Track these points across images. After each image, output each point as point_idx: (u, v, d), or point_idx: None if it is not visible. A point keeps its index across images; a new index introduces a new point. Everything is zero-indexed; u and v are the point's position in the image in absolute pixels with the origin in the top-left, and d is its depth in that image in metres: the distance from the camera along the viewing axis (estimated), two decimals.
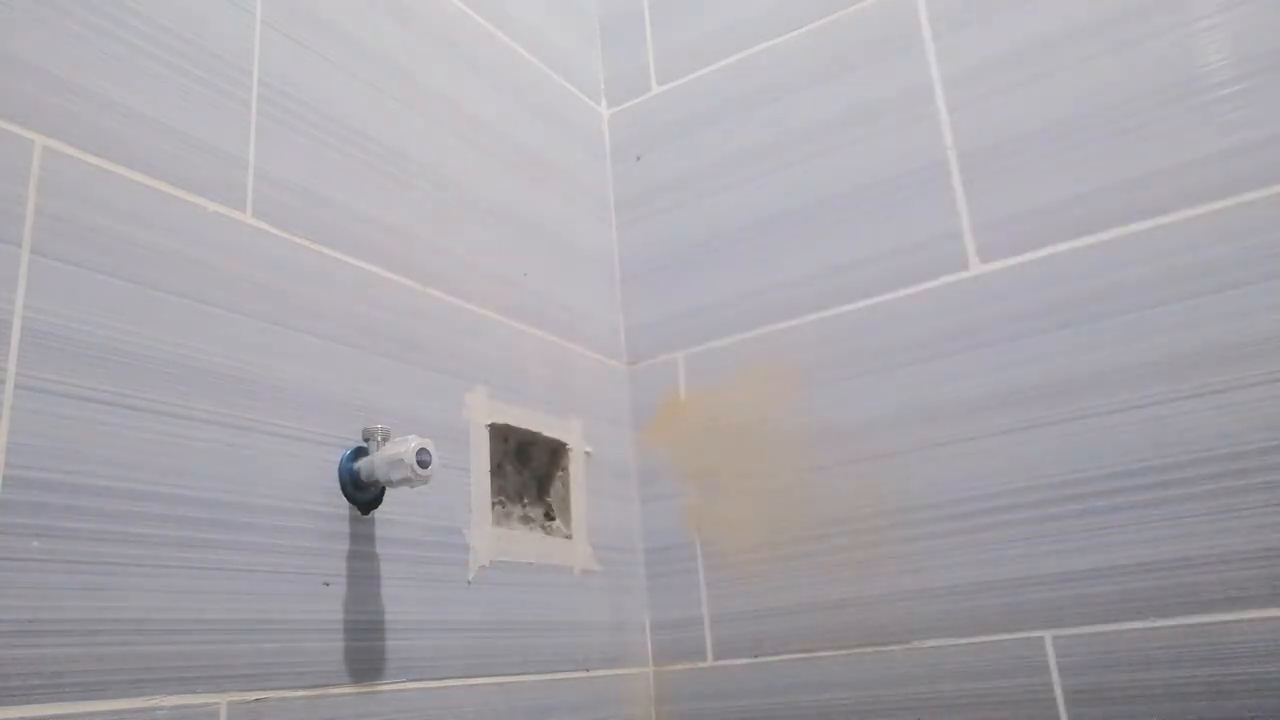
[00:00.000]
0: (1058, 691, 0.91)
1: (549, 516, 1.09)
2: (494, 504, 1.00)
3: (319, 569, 0.77)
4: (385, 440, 0.81)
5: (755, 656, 1.09)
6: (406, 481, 0.78)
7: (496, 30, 1.18)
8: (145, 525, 0.65)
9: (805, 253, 1.16)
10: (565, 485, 1.11)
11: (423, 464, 0.77)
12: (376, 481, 0.80)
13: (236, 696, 0.68)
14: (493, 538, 0.97)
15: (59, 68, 0.67)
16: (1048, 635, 0.93)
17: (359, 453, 0.81)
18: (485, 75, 1.14)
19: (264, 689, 0.70)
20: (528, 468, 1.09)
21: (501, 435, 1.04)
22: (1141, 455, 0.92)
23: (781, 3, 1.25)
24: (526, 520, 1.06)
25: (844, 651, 1.04)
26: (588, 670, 1.04)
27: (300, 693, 0.73)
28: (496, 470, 1.02)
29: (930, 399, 1.04)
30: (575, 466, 1.12)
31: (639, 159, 1.33)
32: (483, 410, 0.99)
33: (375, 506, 0.83)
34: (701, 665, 1.13)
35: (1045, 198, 1.01)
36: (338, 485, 0.80)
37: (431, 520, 0.89)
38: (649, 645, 1.16)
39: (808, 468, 1.10)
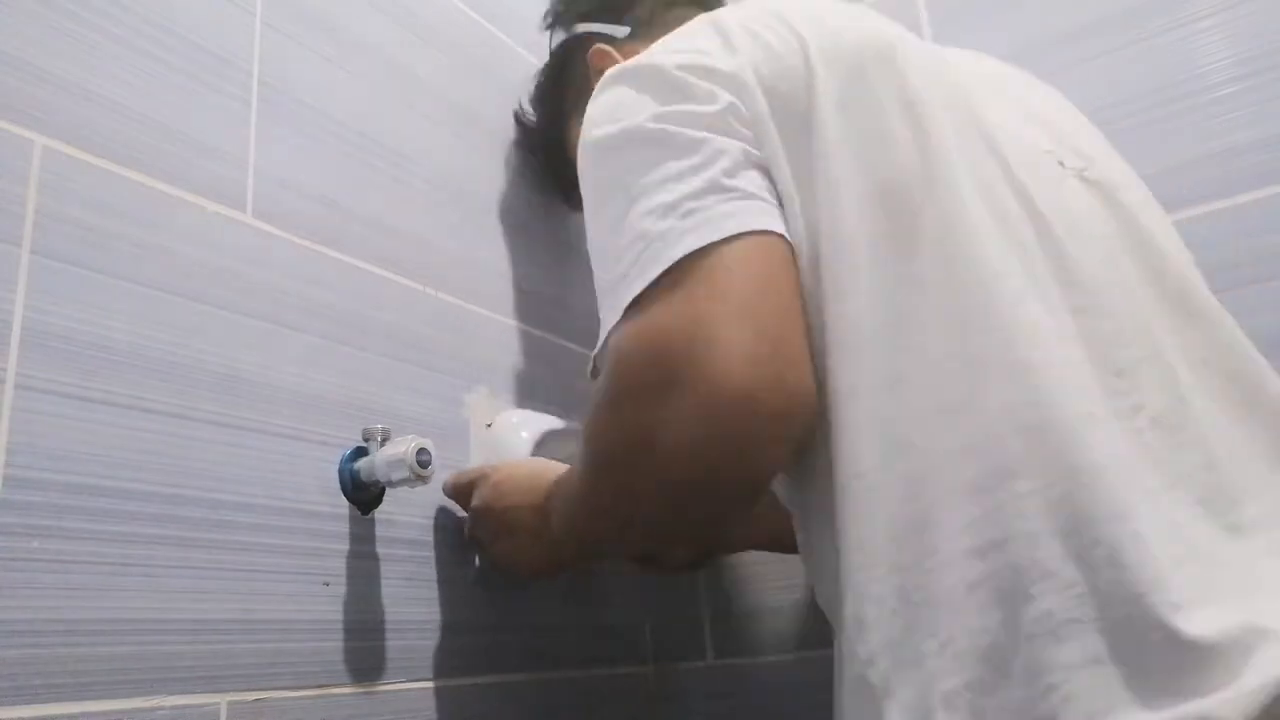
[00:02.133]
0: None
1: None
2: None
3: (319, 569, 0.77)
4: (385, 440, 0.81)
5: (755, 656, 1.09)
6: (406, 481, 0.78)
7: (498, 31, 1.18)
8: (145, 525, 0.65)
9: None
10: None
11: (423, 464, 0.77)
12: (376, 481, 0.80)
13: (236, 696, 0.68)
14: None
15: (59, 68, 0.67)
16: None
17: (359, 453, 0.81)
18: (486, 76, 1.14)
19: (264, 689, 0.70)
20: None
21: None
22: None
23: None
24: None
25: None
26: (587, 670, 1.04)
27: (300, 693, 0.73)
28: None
29: None
30: None
31: None
32: (483, 410, 0.99)
33: (375, 506, 0.83)
34: (701, 665, 1.12)
35: None
36: (338, 485, 0.80)
37: (431, 520, 0.89)
38: (649, 645, 1.16)
39: None
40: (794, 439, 0.55)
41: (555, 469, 0.79)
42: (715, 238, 0.55)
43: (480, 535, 0.86)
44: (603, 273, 0.61)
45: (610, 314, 0.59)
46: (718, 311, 0.53)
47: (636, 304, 0.56)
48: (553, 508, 0.75)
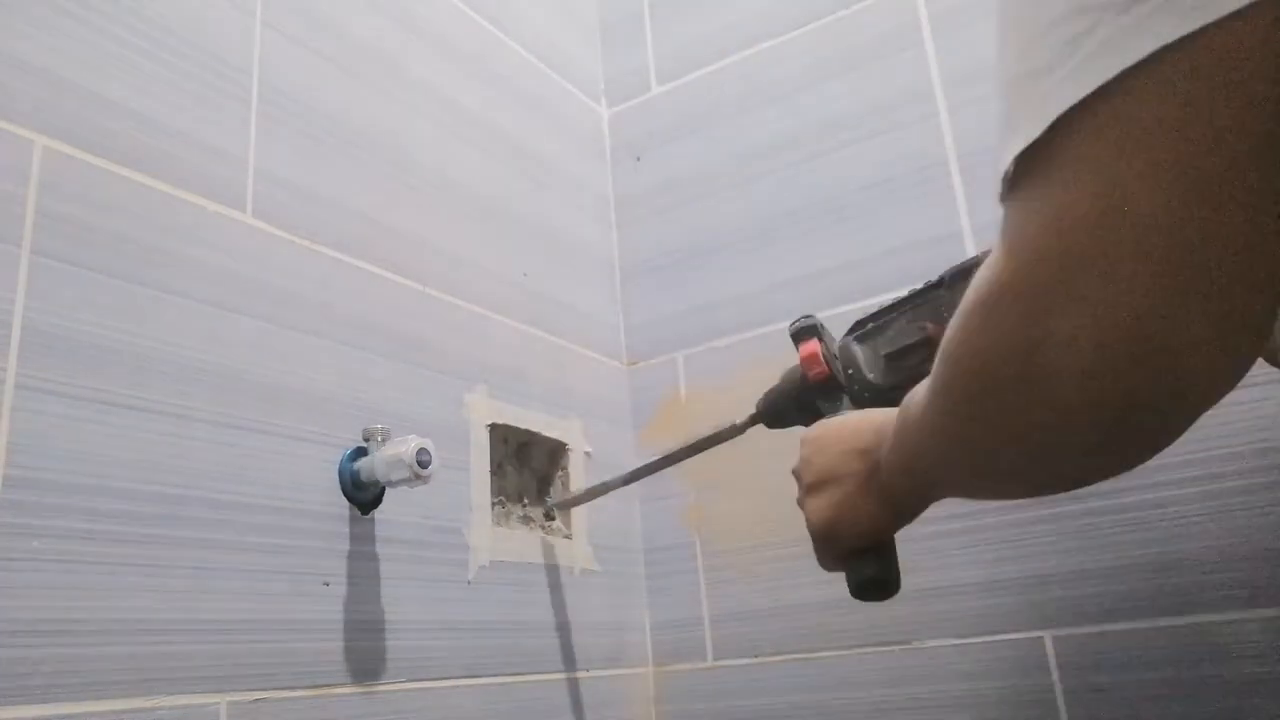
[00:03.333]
0: (1058, 691, 0.91)
1: (549, 516, 1.09)
2: (494, 504, 1.00)
3: (319, 569, 0.77)
4: (385, 440, 0.81)
5: (755, 656, 1.09)
6: (406, 481, 0.78)
7: (497, 30, 1.18)
8: (145, 525, 0.65)
9: (805, 253, 1.16)
10: (565, 485, 1.11)
11: (423, 464, 0.77)
12: (376, 481, 0.80)
13: (236, 696, 0.68)
14: (493, 538, 0.97)
15: (59, 68, 0.67)
16: (1048, 635, 0.93)
17: (359, 453, 0.81)
18: (485, 75, 1.14)
19: (264, 689, 0.70)
20: (528, 468, 1.09)
21: (501, 435, 1.04)
22: None
23: (781, 2, 1.25)
24: (526, 520, 1.06)
25: (844, 651, 1.04)
26: (588, 670, 1.04)
27: (300, 693, 0.73)
28: (496, 470, 1.02)
29: None
30: (575, 467, 1.12)
31: (639, 159, 1.33)
32: (483, 410, 0.99)
33: (375, 506, 0.83)
34: (701, 665, 1.13)
35: None
36: (338, 485, 0.80)
37: (431, 520, 0.89)
38: (649, 645, 1.16)
39: None
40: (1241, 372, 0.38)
41: (882, 412, 0.62)
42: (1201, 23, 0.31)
43: (799, 499, 0.68)
44: (1018, 31, 0.42)
45: (1024, 119, 0.39)
46: (1151, 196, 0.34)
47: (1048, 145, 0.37)
48: (884, 448, 0.59)
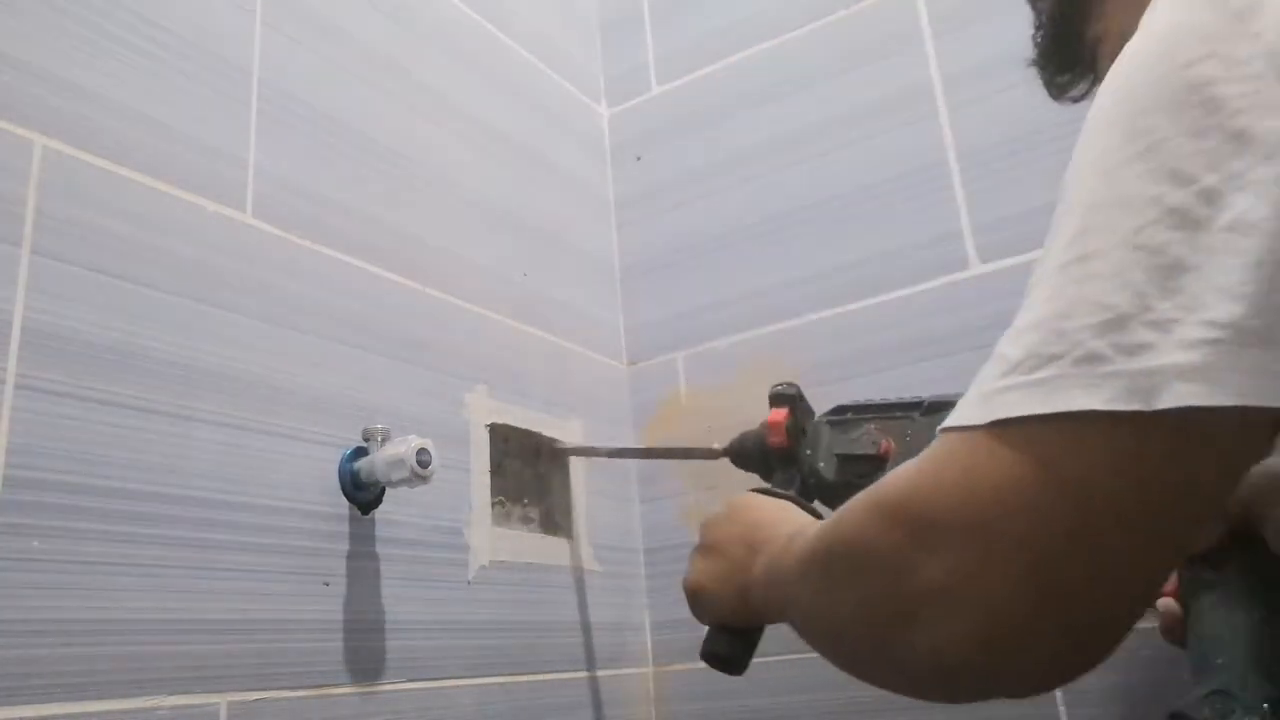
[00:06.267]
0: (1057, 691, 0.91)
1: (549, 516, 1.09)
2: (494, 504, 1.00)
3: (319, 569, 0.77)
4: (385, 440, 0.81)
5: (755, 657, 1.09)
6: (406, 482, 0.78)
7: (496, 30, 1.18)
8: (145, 525, 0.65)
9: (805, 253, 1.16)
10: (565, 485, 1.11)
11: (423, 464, 0.77)
12: (376, 481, 0.80)
13: (236, 696, 0.68)
14: (493, 538, 0.97)
15: (59, 68, 0.67)
16: None
17: (359, 453, 0.81)
18: (485, 75, 1.14)
19: (264, 689, 0.70)
20: (528, 468, 1.09)
21: (501, 435, 1.04)
22: None
23: (781, 2, 1.25)
24: (526, 520, 1.06)
25: None
26: (588, 670, 1.04)
27: (300, 693, 0.73)
28: (496, 470, 1.02)
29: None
30: (575, 466, 1.12)
31: (639, 159, 1.33)
32: (483, 410, 0.99)
33: (375, 506, 0.83)
34: (701, 665, 1.12)
35: (1045, 198, 1.01)
36: (338, 485, 0.80)
37: (431, 520, 0.89)
38: (649, 645, 1.16)
39: None
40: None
41: (791, 518, 0.63)
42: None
43: (693, 549, 0.71)
44: (1054, 260, 0.38)
45: (1003, 364, 0.38)
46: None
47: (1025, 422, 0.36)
48: (764, 557, 0.60)
